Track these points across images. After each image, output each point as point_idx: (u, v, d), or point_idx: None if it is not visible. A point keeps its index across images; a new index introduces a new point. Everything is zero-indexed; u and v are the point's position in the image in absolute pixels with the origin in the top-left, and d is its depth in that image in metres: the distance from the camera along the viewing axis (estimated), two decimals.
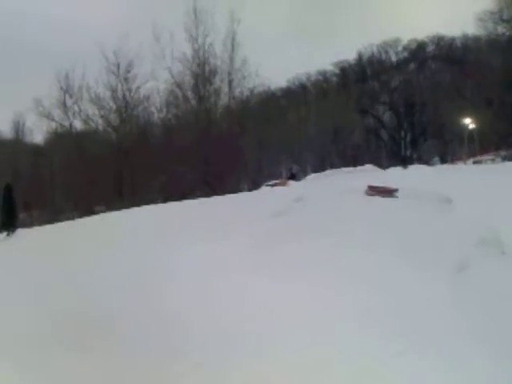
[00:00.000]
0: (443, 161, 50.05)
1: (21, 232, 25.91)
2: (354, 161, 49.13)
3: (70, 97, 56.25)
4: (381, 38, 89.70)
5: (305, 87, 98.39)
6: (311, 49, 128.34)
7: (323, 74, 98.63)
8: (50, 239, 20.74)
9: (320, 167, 50.05)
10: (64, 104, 56.34)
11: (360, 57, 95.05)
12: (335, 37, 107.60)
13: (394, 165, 38.21)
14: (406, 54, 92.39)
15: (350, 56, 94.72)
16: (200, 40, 51.44)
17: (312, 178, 37.95)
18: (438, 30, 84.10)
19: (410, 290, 6.42)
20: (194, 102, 53.11)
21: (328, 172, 37.50)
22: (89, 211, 38.63)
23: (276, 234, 10.40)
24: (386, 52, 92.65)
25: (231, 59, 51.48)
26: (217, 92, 52.92)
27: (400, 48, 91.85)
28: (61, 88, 55.56)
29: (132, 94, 55.53)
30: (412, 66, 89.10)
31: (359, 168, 35.78)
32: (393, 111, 71.16)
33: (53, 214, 49.78)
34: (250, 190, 32.69)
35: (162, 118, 57.65)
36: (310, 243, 8.78)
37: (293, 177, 30.14)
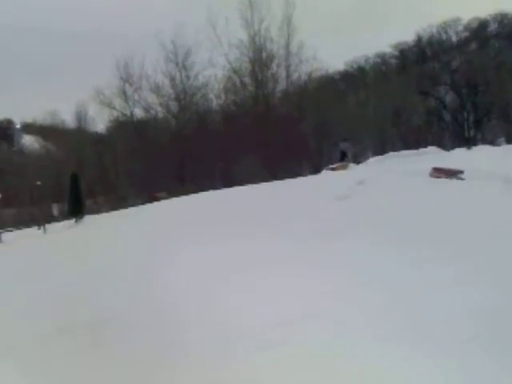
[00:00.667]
0: (509, 141, 48.46)
1: (87, 218, 26.94)
2: (416, 143, 48.08)
3: (130, 85, 57.71)
4: (440, 19, 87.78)
5: (363, 70, 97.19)
6: (369, 31, 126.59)
7: (382, 56, 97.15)
8: (113, 225, 21.57)
9: (381, 150, 49.38)
10: (124, 93, 57.84)
11: (419, 38, 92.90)
12: (393, 18, 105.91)
13: (458, 146, 37.19)
14: (467, 34, 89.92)
15: (409, 38, 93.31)
16: (256, 26, 51.84)
17: (373, 161, 37.49)
18: (501, 7, 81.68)
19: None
20: (251, 88, 53.56)
21: (390, 154, 37.01)
22: (151, 198, 39.55)
23: (340, 219, 10.26)
24: (446, 32, 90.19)
25: (288, 44, 51.62)
26: (274, 77, 53.13)
27: (460, 28, 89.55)
28: (121, 77, 57.05)
29: (190, 82, 56.43)
30: (473, 45, 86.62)
31: (422, 150, 34.97)
32: (455, 92, 69.28)
33: (117, 200, 51.21)
34: (310, 173, 32.52)
35: (220, 105, 58.34)
36: (373, 233, 8.34)
37: (343, 156, 29.49)
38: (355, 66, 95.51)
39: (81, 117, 74.79)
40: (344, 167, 35.00)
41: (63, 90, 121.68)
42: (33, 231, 25.66)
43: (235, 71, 53.59)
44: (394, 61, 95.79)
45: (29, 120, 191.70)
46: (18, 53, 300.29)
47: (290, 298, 5.83)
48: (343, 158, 28.59)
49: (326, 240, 8.45)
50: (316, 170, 38.59)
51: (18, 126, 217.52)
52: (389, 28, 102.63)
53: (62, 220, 34.30)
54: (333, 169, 33.84)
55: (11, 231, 26.54)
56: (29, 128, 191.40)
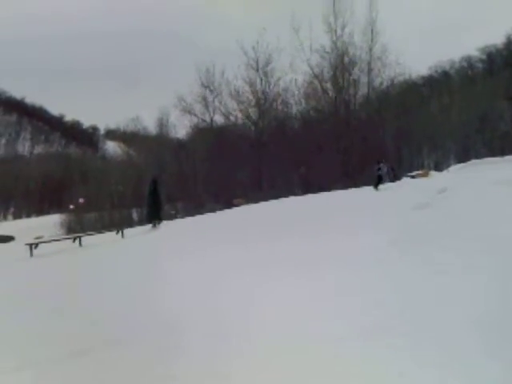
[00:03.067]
0: None
1: (166, 223, 27.41)
2: (502, 150, 46.45)
3: (211, 92, 59.21)
4: None
5: (448, 75, 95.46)
6: (454, 34, 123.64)
7: (468, 60, 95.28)
8: (184, 230, 22.00)
9: (464, 157, 48.06)
10: (205, 99, 59.43)
11: (509, 40, 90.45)
12: (481, 20, 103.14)
13: None
14: None
15: (498, 40, 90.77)
16: (339, 31, 51.78)
17: (456, 168, 36.53)
18: None
19: None
20: (332, 94, 53.35)
21: (473, 162, 35.98)
22: (229, 204, 39.95)
23: (416, 230, 9.98)
24: None
25: (370, 48, 51.19)
26: (356, 82, 52.76)
27: None
28: (202, 84, 58.73)
29: (271, 88, 57.02)
30: None
31: (508, 158, 33.72)
32: None
33: (195, 206, 52.13)
34: (391, 180, 31.87)
35: (300, 111, 58.46)
36: (452, 243, 7.97)
37: (380, 179, 26.49)
38: (439, 71, 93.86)
39: (162, 123, 76.54)
40: (425, 174, 34.19)
41: (146, 97, 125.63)
42: (112, 235, 26.22)
43: (316, 76, 53.64)
44: (480, 65, 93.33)
45: (112, 126, 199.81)
46: (102, 63, 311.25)
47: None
48: (379, 182, 26.03)
49: (402, 250, 8.27)
50: (395, 177, 38.03)
51: (102, 133, 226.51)
52: (476, 30, 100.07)
53: (141, 224, 35.27)
54: (413, 176, 33.18)
55: (92, 235, 27.23)
56: (112, 134, 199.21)
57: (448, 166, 46.62)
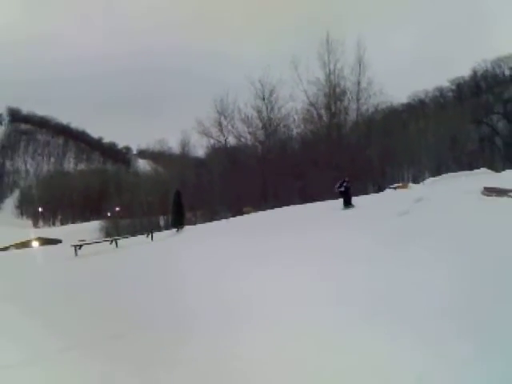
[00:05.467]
0: None
1: (187, 228, 27.56)
2: (470, 166, 46.41)
3: (225, 117, 59.77)
4: (494, 55, 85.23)
5: (423, 102, 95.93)
6: (428, 68, 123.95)
7: (440, 89, 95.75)
8: (203, 234, 22.19)
9: (437, 172, 48.10)
10: (220, 124, 59.92)
11: (474, 73, 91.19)
12: (450, 55, 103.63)
13: (508, 168, 35.47)
14: None
15: (465, 73, 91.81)
16: (331, 66, 52.49)
17: (430, 181, 36.50)
18: None
19: None
20: (326, 119, 53.98)
21: (445, 175, 35.95)
22: (239, 212, 40.03)
23: (397, 232, 10.00)
24: (500, 67, 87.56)
25: (359, 81, 51.81)
26: (346, 109, 53.36)
27: None
28: (217, 111, 59.32)
29: (275, 114, 57.64)
30: None
31: (474, 171, 33.66)
32: (507, 120, 66.51)
33: (211, 214, 52.37)
34: (375, 192, 31.84)
35: (299, 133, 59.10)
36: (426, 243, 8.00)
37: (344, 193, 20.75)
38: (416, 99, 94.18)
39: (184, 144, 76.96)
40: (405, 186, 34.09)
41: (170, 122, 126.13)
42: (143, 238, 26.29)
43: (312, 104, 54.36)
44: (451, 93, 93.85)
45: (143, 147, 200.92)
46: (134, 94, 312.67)
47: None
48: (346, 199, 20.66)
49: (386, 248, 8.34)
50: (380, 188, 38.01)
51: (134, 152, 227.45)
52: (446, 65, 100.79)
53: (167, 229, 35.36)
54: (394, 188, 33.12)
55: (127, 238, 27.33)
56: (142, 153, 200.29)
57: (423, 179, 46.60)
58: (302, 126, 57.90)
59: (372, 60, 51.43)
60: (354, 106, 52.76)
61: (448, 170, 44.61)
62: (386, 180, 46.96)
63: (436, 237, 8.48)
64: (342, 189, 21.09)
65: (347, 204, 20.50)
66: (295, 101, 55.10)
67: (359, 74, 51.58)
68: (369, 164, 47.71)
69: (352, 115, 53.33)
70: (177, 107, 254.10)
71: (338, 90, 52.79)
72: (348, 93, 52.72)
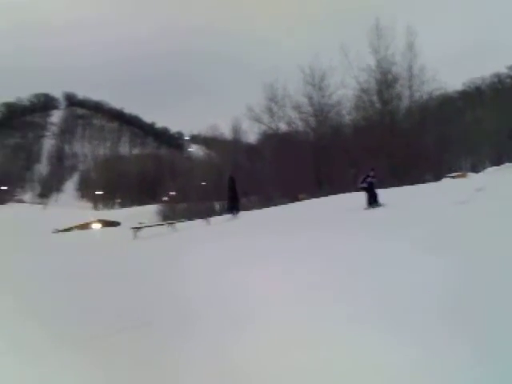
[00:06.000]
0: None
1: (242, 213, 28.29)
2: None
3: (276, 104, 60.48)
4: None
5: (480, 89, 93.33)
6: (485, 54, 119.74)
7: (498, 76, 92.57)
8: (257, 218, 23.02)
9: (499, 161, 47.15)
10: (271, 110, 60.79)
11: None
12: (509, 41, 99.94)
13: None
14: None
15: None
16: (382, 52, 52.02)
17: (492, 170, 35.95)
18: None
19: None
20: (378, 106, 53.52)
21: (508, 164, 35.28)
22: (294, 198, 40.70)
23: (459, 220, 9.64)
24: None
25: (410, 67, 51.13)
26: (398, 96, 52.80)
27: None
28: (268, 97, 60.31)
29: (325, 100, 57.65)
30: None
31: None
32: None
33: (265, 199, 53.20)
34: (432, 181, 31.67)
35: (351, 120, 58.83)
36: (485, 232, 7.66)
37: (367, 190, 17.40)
38: (472, 86, 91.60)
39: (236, 130, 78.04)
40: (463, 175, 33.79)
41: (223, 108, 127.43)
42: (199, 223, 27.20)
43: (364, 91, 54.04)
44: (509, 80, 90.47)
45: (195, 132, 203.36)
46: (188, 80, 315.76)
47: None
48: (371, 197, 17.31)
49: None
50: (437, 177, 37.67)
51: (187, 138, 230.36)
52: (504, 50, 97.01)
53: (222, 214, 36.32)
54: (452, 177, 32.85)
55: (183, 222, 28.50)
56: (195, 139, 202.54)
57: (484, 168, 45.83)
58: (354, 113, 57.75)
59: (424, 46, 50.68)
60: (406, 92, 52.32)
61: (510, 159, 43.54)
62: (443, 169, 46.40)
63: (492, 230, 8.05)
64: (365, 184, 17.43)
65: (372, 202, 17.12)
66: (346, 87, 54.97)
67: (410, 60, 51.09)
68: (424, 152, 47.22)
69: (405, 102, 52.89)
70: (228, 93, 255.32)
71: (389, 76, 52.42)
72: (400, 79, 52.29)
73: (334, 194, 30.44)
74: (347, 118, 59.76)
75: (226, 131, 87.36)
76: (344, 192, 30.04)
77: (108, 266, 12.18)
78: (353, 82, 54.03)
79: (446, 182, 29.41)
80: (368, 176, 17.58)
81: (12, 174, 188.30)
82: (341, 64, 53.31)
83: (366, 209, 16.90)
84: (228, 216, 28.54)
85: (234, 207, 28.23)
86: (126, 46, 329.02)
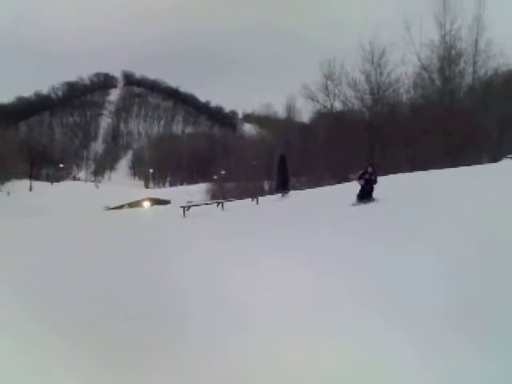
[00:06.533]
0: None
1: (292, 193, 27.84)
2: None
3: (332, 82, 59.18)
4: None
5: None
6: None
7: None
8: (308, 198, 22.40)
9: None
10: (326, 88, 59.68)
11: None
12: None
13: None
14: None
15: None
16: (448, 26, 49.41)
17: None
18: None
19: None
20: (439, 83, 51.37)
21: None
22: (345, 179, 39.71)
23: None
24: None
25: (476, 42, 48.47)
26: (461, 73, 50.48)
27: None
28: (324, 75, 59.26)
29: (384, 78, 55.86)
30: None
31: None
32: None
33: (316, 179, 52.45)
34: (490, 162, 30.06)
35: (409, 98, 57.02)
36: None
37: (367, 183, 15.81)
38: None
39: (290, 108, 77.17)
40: None
41: (277, 85, 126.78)
42: (248, 202, 27.00)
43: (425, 68, 51.91)
44: None
45: (248, 111, 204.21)
46: (241, 58, 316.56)
47: None
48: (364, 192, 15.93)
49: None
50: (496, 159, 35.82)
51: (240, 116, 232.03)
52: None
53: (271, 194, 35.94)
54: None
55: (232, 201, 28.23)
56: (248, 118, 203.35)
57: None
58: (413, 91, 55.78)
59: (493, 19, 47.86)
60: (469, 69, 49.82)
61: None
62: (504, 150, 44.01)
63: None
64: (362, 182, 15.88)
65: (363, 197, 15.64)
66: (406, 64, 52.89)
67: (477, 34, 48.28)
68: (485, 132, 45.00)
69: (467, 79, 50.49)
70: (283, 71, 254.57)
71: (453, 52, 49.88)
72: (464, 55, 49.71)
73: (386, 174, 29.36)
74: (405, 97, 57.85)
75: (279, 110, 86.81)
76: (396, 173, 29.12)
77: (156, 241, 12.76)
78: (413, 58, 51.81)
79: (505, 163, 27.91)
80: (366, 172, 15.98)
81: (70, 152, 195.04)
82: (402, 39, 50.95)
83: (354, 205, 15.40)
84: (277, 196, 28.21)
85: (283, 187, 27.83)
86: (184, 24, 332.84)
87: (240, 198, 34.98)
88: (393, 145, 48.70)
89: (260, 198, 27.40)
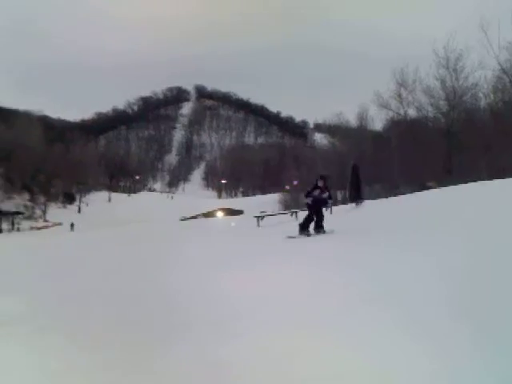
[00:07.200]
0: None
1: (366, 202, 27.59)
2: None
3: (405, 89, 58.22)
4: None
5: None
6: None
7: None
8: (383, 208, 21.98)
9: None
10: (399, 95, 58.74)
11: None
12: None
13: None
14: None
15: None
16: None
17: None
18: None
19: None
20: None
21: None
22: (421, 187, 38.89)
23: None
24: None
25: None
26: None
27: None
28: (397, 82, 58.30)
29: (460, 83, 54.08)
30: None
31: None
32: None
33: (390, 188, 51.69)
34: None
35: (489, 103, 54.73)
36: None
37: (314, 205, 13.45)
38: None
39: (362, 117, 76.65)
40: None
41: (348, 95, 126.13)
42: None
43: (505, 72, 49.68)
44: None
45: (319, 120, 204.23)
46: (315, 67, 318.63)
47: None
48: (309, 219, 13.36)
49: None
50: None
51: (311, 126, 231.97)
52: None
53: (344, 203, 35.79)
54: None
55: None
56: (319, 127, 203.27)
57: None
58: (492, 96, 53.61)
59: None
60: None
61: None
62: None
63: None
64: (309, 200, 12.86)
65: (310, 227, 12.80)
66: (484, 68, 50.60)
67: None
68: None
69: None
70: (354, 80, 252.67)
71: None
72: None
73: (465, 182, 28.46)
74: (484, 102, 55.63)
75: (351, 118, 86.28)
76: (475, 181, 28.16)
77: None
78: (492, 62, 49.59)
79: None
80: (316, 188, 13.04)
81: (145, 164, 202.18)
82: (479, 43, 48.97)
83: (298, 235, 12.61)
84: (351, 205, 28.07)
85: (356, 196, 27.68)
86: (254, 39, 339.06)
87: None
88: (471, 151, 47.12)
89: (333, 208, 27.36)
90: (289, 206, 64.92)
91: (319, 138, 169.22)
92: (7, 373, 4.28)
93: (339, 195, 64.52)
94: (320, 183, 12.97)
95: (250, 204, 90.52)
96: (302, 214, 24.42)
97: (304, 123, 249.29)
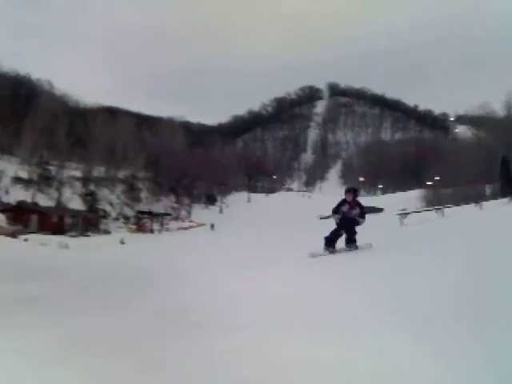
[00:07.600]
0: None
1: None
2: None
3: None
4: None
5: None
6: None
7: None
8: None
9: None
10: None
11: None
12: None
13: None
14: None
15: None
16: None
17: None
18: None
19: None
20: None
21: None
22: None
23: None
24: None
25: None
26: None
27: None
28: None
29: None
30: None
31: None
32: None
33: None
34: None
35: None
36: None
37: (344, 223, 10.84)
38: None
39: (510, 106, 71.95)
40: None
41: (493, 84, 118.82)
42: (470, 208, 26.29)
43: None
44: None
45: (461, 112, 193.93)
46: (449, 58, 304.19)
47: None
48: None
49: None
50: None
51: (452, 119, 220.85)
52: None
53: (494, 199, 34.21)
54: None
55: (450, 207, 27.84)
56: (461, 119, 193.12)
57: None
58: None
59: None
60: None
61: None
62: None
63: None
64: (337, 219, 10.96)
65: (348, 241, 10.87)
66: None
67: None
68: None
69: None
70: (499, 68, 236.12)
71: None
72: None
73: None
74: None
75: (497, 108, 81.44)
76: None
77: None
78: None
79: None
80: (344, 202, 11.14)
81: (281, 164, 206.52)
82: None
83: (330, 251, 10.61)
84: (503, 200, 27.08)
85: (509, 191, 26.72)
86: (388, 34, 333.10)
87: (457, 204, 34.04)
88: None
89: (483, 203, 26.59)
90: (430, 203, 63.09)
91: (462, 131, 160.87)
92: None
93: (488, 190, 61.27)
94: (348, 197, 11.18)
95: (389, 201, 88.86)
96: (448, 211, 23.78)
97: (444, 116, 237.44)
